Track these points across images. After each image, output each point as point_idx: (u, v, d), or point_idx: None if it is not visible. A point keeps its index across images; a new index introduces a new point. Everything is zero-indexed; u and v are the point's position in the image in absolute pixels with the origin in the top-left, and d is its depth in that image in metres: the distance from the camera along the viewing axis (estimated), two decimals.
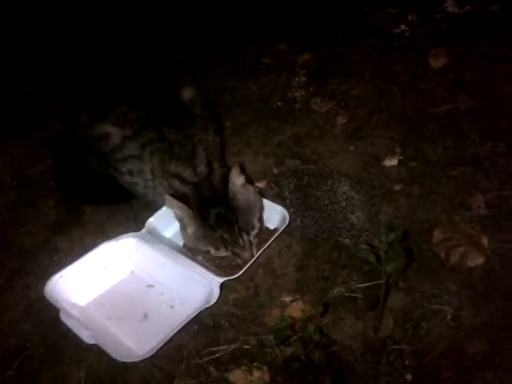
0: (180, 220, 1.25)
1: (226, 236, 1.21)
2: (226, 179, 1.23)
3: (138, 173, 1.33)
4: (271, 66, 2.00)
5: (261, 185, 1.47)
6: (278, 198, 1.36)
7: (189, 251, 1.30)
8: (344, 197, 1.27)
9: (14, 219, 1.47)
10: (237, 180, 1.24)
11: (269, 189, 1.41)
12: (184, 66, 2.02)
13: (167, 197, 1.20)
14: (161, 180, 1.30)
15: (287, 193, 1.34)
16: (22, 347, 1.17)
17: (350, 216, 1.25)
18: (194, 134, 1.32)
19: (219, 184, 1.25)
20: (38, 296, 1.24)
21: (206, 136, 1.34)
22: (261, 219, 1.29)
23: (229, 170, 1.24)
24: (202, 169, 1.28)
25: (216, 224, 1.21)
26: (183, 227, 1.25)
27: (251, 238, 1.24)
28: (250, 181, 1.35)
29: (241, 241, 1.21)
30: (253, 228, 1.24)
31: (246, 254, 1.22)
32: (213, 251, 1.23)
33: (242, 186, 1.26)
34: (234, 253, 1.23)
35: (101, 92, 1.48)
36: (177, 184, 1.27)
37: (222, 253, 1.23)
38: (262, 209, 1.30)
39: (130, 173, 1.34)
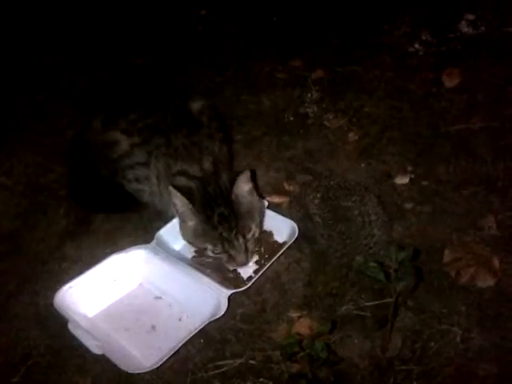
0: (180, 213, 1.25)
1: (225, 235, 1.22)
2: (232, 181, 1.24)
3: (145, 180, 1.35)
4: (285, 81, 2.00)
5: (271, 199, 1.47)
6: (305, 217, 1.33)
7: (195, 259, 1.31)
8: (374, 210, 1.27)
9: (25, 226, 1.48)
10: (244, 184, 1.25)
11: (295, 211, 1.38)
12: (198, 79, 2.04)
13: (171, 188, 1.20)
14: (165, 183, 1.31)
15: (315, 209, 1.30)
16: (29, 354, 1.17)
17: (375, 232, 1.25)
18: (201, 141, 1.33)
19: (225, 184, 1.26)
20: (45, 303, 1.24)
21: (212, 145, 1.35)
22: (260, 226, 1.30)
23: (238, 173, 1.24)
24: (207, 166, 1.29)
25: (218, 223, 1.22)
26: (182, 221, 1.26)
27: (247, 243, 1.24)
28: (260, 194, 1.36)
29: (236, 243, 1.22)
30: (249, 231, 1.24)
31: (239, 258, 1.23)
32: (210, 248, 1.23)
33: (248, 191, 1.26)
34: (229, 254, 1.23)
35: (114, 99, 1.51)
36: (182, 180, 1.28)
37: (218, 251, 1.23)
38: (262, 216, 1.31)
39: (137, 180, 1.36)
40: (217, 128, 1.42)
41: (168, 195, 1.29)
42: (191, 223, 1.24)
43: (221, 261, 1.26)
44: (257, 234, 1.27)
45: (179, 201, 1.22)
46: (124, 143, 1.35)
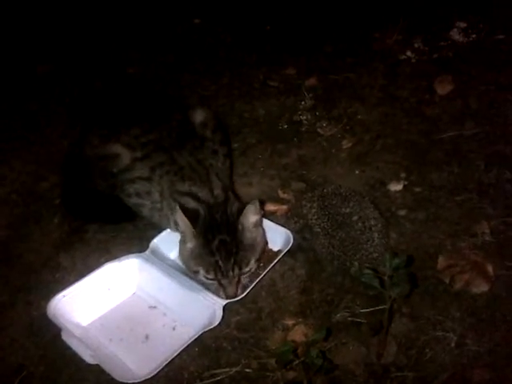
0: (182, 233, 1.24)
1: (220, 263, 1.19)
2: (240, 211, 1.22)
3: (146, 194, 1.34)
4: (278, 89, 2.02)
5: (266, 207, 1.46)
6: (305, 228, 1.33)
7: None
8: (372, 215, 1.27)
9: (18, 236, 1.47)
10: (252, 216, 1.22)
11: (293, 223, 1.37)
12: (192, 87, 2.05)
13: (177, 208, 1.19)
14: (169, 201, 1.30)
15: (314, 219, 1.30)
16: (23, 366, 1.15)
17: (375, 236, 1.25)
18: (205, 159, 1.33)
19: (234, 213, 1.24)
20: (39, 313, 1.23)
21: (216, 161, 1.35)
22: (259, 260, 1.27)
23: (246, 203, 1.22)
24: (218, 192, 1.28)
25: (217, 249, 1.20)
26: (183, 241, 1.25)
27: (242, 276, 1.22)
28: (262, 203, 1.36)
29: (231, 273, 1.19)
30: (247, 265, 1.21)
31: (229, 289, 1.20)
32: (202, 272, 1.21)
33: (254, 224, 1.24)
34: (220, 283, 1.21)
35: (111, 113, 1.49)
36: (190, 202, 1.26)
37: (210, 278, 1.21)
38: (262, 252, 1.28)
39: (138, 194, 1.35)
40: (220, 141, 1.41)
41: (170, 212, 1.29)
42: (190, 245, 1.23)
43: (210, 287, 1.23)
44: (253, 269, 1.25)
45: (182, 222, 1.20)
46: (125, 157, 1.33)
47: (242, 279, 1.22)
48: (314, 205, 1.30)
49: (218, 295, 1.21)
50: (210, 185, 1.28)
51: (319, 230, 1.28)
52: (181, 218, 1.19)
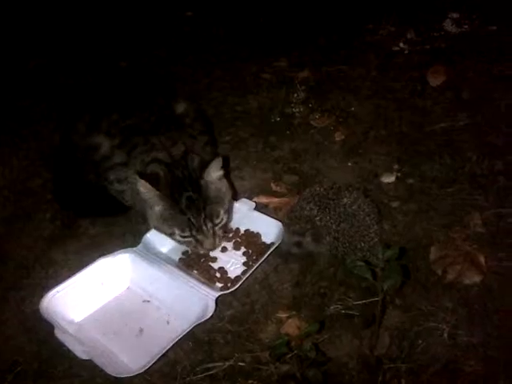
0: (147, 200, 1.24)
1: (192, 220, 1.22)
2: (203, 166, 1.24)
3: (125, 180, 1.35)
4: (271, 81, 2.01)
5: (259, 200, 1.47)
6: (308, 225, 1.28)
7: (182, 261, 1.31)
8: (368, 206, 1.27)
9: (11, 232, 1.46)
10: (215, 171, 1.25)
11: (296, 226, 1.30)
12: (185, 80, 2.04)
13: (135, 175, 1.20)
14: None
15: (317, 220, 1.26)
16: (16, 362, 1.15)
17: (374, 222, 1.25)
18: (180, 139, 1.33)
19: (195, 169, 1.26)
20: (32, 310, 1.23)
21: (193, 144, 1.35)
22: (229, 212, 1.30)
23: (210, 160, 1.24)
24: (177, 151, 1.29)
25: (186, 207, 1.22)
26: (149, 207, 1.26)
27: (216, 228, 1.25)
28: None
29: (204, 228, 1.23)
30: (217, 217, 1.25)
31: (207, 242, 1.24)
32: (177, 232, 1.24)
33: (218, 177, 1.27)
34: (196, 239, 1.24)
35: (98, 102, 1.50)
36: (152, 167, 1.27)
37: (186, 235, 1.24)
38: (230, 202, 1.32)
39: (119, 181, 1.36)
40: (200, 130, 1.42)
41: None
42: (158, 208, 1.24)
43: (189, 245, 1.27)
44: (225, 220, 1.28)
45: (144, 187, 1.21)
46: (105, 145, 1.36)
47: (217, 231, 1.26)
48: (312, 205, 1.27)
49: (198, 250, 1.26)
50: (170, 148, 1.29)
51: (325, 229, 1.26)
52: (142, 184, 1.20)
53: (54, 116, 1.88)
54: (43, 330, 1.19)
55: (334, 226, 1.25)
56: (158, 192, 1.21)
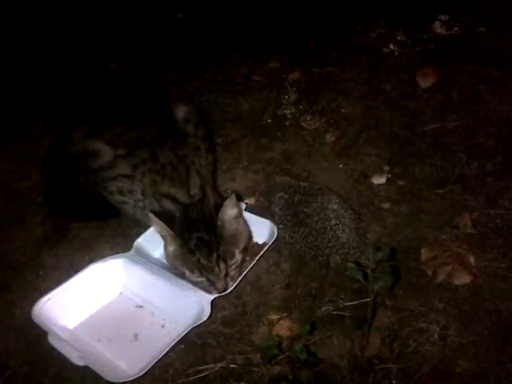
0: (162, 237, 1.24)
1: (202, 261, 1.18)
2: (218, 206, 1.21)
3: (128, 192, 1.33)
4: (262, 83, 2.01)
5: (250, 201, 1.47)
6: (265, 212, 1.37)
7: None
8: (334, 215, 1.28)
9: (0, 234, 1.45)
10: (230, 210, 1.22)
11: (257, 201, 1.41)
12: (176, 82, 2.03)
13: (150, 215, 1.19)
14: (151, 200, 1.30)
15: (277, 209, 1.35)
16: (6, 365, 1.15)
17: (339, 234, 1.26)
18: (187, 156, 1.32)
19: (211, 209, 1.23)
20: (22, 312, 1.23)
21: (199, 158, 1.34)
22: (245, 251, 1.26)
23: (224, 198, 1.23)
24: (195, 191, 1.28)
25: (195, 247, 1.19)
26: (165, 246, 1.25)
27: (229, 269, 1.21)
28: (240, 198, 1.36)
29: (216, 269, 1.18)
30: (232, 257, 1.21)
31: (219, 284, 1.19)
32: (188, 273, 1.20)
33: (234, 216, 1.24)
34: (208, 279, 1.19)
35: (95, 111, 1.47)
36: (168, 204, 1.26)
37: (196, 277, 1.20)
38: (247, 242, 1.28)
39: (121, 192, 1.33)
40: (203, 137, 1.40)
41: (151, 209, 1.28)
42: (171, 248, 1.22)
43: (203, 285, 1.21)
44: (240, 261, 1.24)
45: (159, 226, 1.20)
46: (107, 154, 1.32)
47: (230, 271, 1.22)
48: (284, 196, 1.34)
49: (210, 292, 1.20)
50: (188, 185, 1.28)
51: (281, 223, 1.32)
52: (157, 223, 1.19)
53: (43, 117, 1.87)
54: (34, 333, 1.18)
55: (290, 225, 1.31)
56: (171, 232, 1.19)
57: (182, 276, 1.23)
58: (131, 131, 1.34)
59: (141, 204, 1.33)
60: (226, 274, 1.21)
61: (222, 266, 1.19)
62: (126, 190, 1.32)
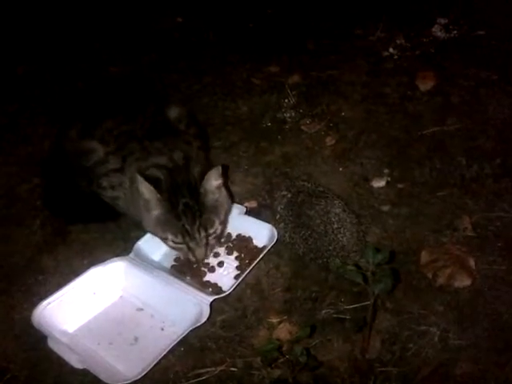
0: (146, 201, 1.24)
1: (187, 227, 1.21)
2: (203, 174, 1.23)
3: (119, 186, 1.34)
4: (262, 86, 2.01)
5: (249, 204, 1.47)
6: (267, 210, 1.37)
7: (175, 268, 1.31)
8: (336, 219, 1.27)
9: (0, 238, 1.45)
10: (214, 180, 1.24)
11: (260, 200, 1.41)
12: (175, 86, 2.03)
13: (138, 175, 1.19)
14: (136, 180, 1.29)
15: (279, 207, 1.34)
16: (6, 369, 1.14)
17: (340, 238, 1.26)
18: (176, 147, 1.32)
19: (195, 176, 1.25)
20: (22, 316, 1.22)
21: (189, 151, 1.34)
22: (224, 223, 1.30)
23: (209, 168, 1.24)
24: (178, 157, 1.29)
25: (182, 213, 1.21)
26: (147, 209, 1.25)
27: (209, 237, 1.24)
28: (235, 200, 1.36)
29: (197, 235, 1.22)
30: (212, 226, 1.24)
31: (199, 251, 1.23)
32: (170, 237, 1.23)
33: (217, 187, 1.26)
34: (188, 246, 1.23)
35: (90, 108, 1.49)
36: (153, 171, 1.26)
37: (178, 241, 1.23)
38: (227, 213, 1.31)
39: (112, 187, 1.35)
40: (194, 135, 1.42)
41: (137, 192, 1.27)
42: (155, 212, 1.23)
43: (181, 252, 1.27)
44: (219, 231, 1.27)
45: (145, 189, 1.20)
46: (99, 152, 1.34)
47: (210, 241, 1.25)
48: (285, 200, 1.33)
49: (188, 258, 1.24)
50: (170, 153, 1.29)
51: (282, 222, 1.32)
52: (144, 185, 1.20)
53: (42, 121, 1.86)
54: (33, 336, 1.17)
55: (291, 226, 1.30)
56: (157, 195, 1.20)
57: (163, 240, 1.26)
58: (122, 126, 1.36)
59: (129, 195, 1.33)
60: (207, 244, 1.24)
61: (203, 233, 1.23)
62: (117, 183, 1.34)
